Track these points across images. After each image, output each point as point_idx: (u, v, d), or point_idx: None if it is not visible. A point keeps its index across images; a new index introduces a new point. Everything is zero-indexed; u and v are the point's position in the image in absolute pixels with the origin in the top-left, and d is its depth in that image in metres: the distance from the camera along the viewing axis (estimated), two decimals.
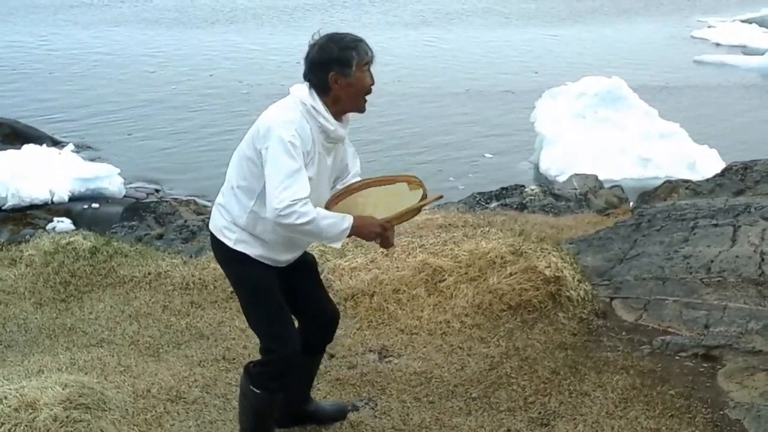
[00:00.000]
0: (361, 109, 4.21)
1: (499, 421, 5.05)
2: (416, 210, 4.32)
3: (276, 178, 3.96)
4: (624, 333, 6.11)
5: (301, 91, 4.13)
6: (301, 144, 4.01)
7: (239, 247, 4.24)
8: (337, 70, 4.08)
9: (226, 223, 4.26)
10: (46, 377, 5.25)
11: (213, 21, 41.09)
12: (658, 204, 9.74)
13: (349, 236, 4.14)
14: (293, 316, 4.49)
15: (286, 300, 4.39)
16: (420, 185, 4.30)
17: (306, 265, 4.58)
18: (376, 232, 4.20)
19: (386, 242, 4.28)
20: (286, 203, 3.93)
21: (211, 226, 4.39)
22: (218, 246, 4.34)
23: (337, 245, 4.22)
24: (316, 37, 4.16)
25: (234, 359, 5.88)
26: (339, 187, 4.42)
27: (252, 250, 4.23)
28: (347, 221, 4.09)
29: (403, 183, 4.34)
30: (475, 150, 21.85)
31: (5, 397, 4.91)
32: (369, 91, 4.18)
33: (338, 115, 4.17)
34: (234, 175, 4.23)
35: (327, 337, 4.75)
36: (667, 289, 6.63)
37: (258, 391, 4.36)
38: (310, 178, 4.04)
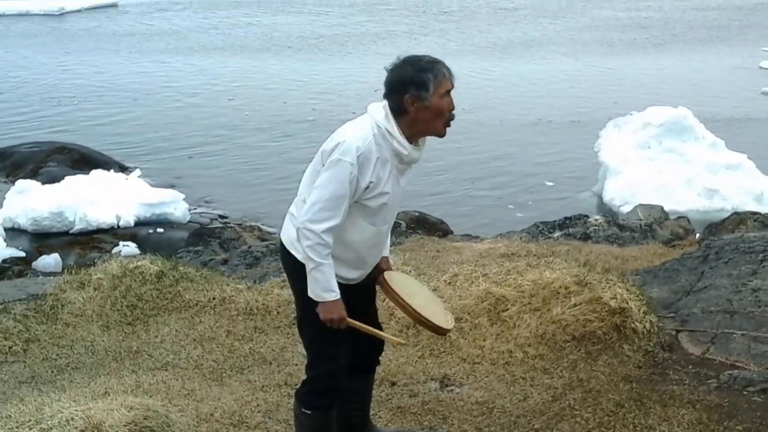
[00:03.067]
0: (440, 133, 4.20)
1: None
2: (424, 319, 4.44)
3: (322, 195, 4.03)
4: (690, 366, 6.01)
5: (378, 113, 4.13)
6: (359, 170, 4.04)
7: None
8: (413, 93, 4.07)
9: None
10: (112, 399, 5.33)
11: (298, 48, 41.54)
12: (726, 236, 9.56)
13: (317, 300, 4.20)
14: None
15: None
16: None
17: (366, 285, 4.57)
18: (335, 317, 4.21)
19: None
20: (319, 228, 4.03)
21: (282, 236, 4.41)
22: (288, 257, 4.36)
23: (311, 294, 4.20)
24: (395, 61, 4.18)
25: (296, 385, 5.85)
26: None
27: None
28: (331, 296, 4.16)
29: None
30: (537, 179, 21.74)
31: (72, 419, 4.98)
32: (448, 116, 4.15)
33: (414, 137, 4.17)
34: (306, 190, 4.24)
35: (373, 357, 4.78)
36: (735, 323, 6.51)
37: (309, 412, 4.39)
38: (384, 204, 4.14)
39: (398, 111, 4.11)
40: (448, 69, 4.15)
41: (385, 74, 4.20)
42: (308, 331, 4.43)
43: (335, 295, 4.15)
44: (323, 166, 4.10)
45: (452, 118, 4.18)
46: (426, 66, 4.11)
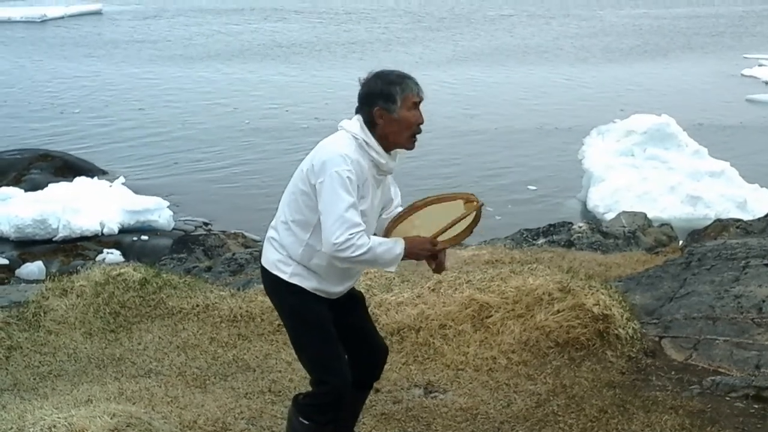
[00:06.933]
0: (407, 146, 4.25)
1: None
2: (465, 228, 4.28)
3: (332, 213, 4.02)
4: (673, 372, 6.03)
5: (354, 126, 4.19)
6: (356, 179, 4.07)
7: (294, 280, 4.26)
8: (381, 105, 4.15)
9: (281, 257, 4.28)
10: (95, 406, 5.29)
11: (306, 55, 41.61)
12: (709, 243, 9.62)
13: (403, 259, 4.18)
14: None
15: (337, 334, 4.39)
16: (474, 201, 4.30)
17: (354, 300, 4.59)
18: (427, 249, 4.22)
19: (439, 265, 4.31)
20: (344, 237, 4.00)
21: (263, 261, 4.40)
22: (272, 280, 4.34)
23: (392, 269, 4.25)
24: (367, 75, 4.25)
25: (280, 392, 5.89)
26: (384, 216, 4.44)
27: (307, 282, 4.26)
28: (400, 245, 4.15)
29: (461, 200, 4.36)
30: (520, 185, 21.80)
31: (54, 426, 4.95)
32: (415, 129, 4.21)
33: (387, 148, 4.22)
34: (287, 209, 4.27)
35: (375, 372, 4.73)
36: (717, 329, 6.54)
37: (307, 423, 4.35)
38: (363, 211, 4.10)
39: (369, 123, 4.18)
40: (416, 83, 4.22)
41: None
42: (306, 351, 4.40)
43: (401, 243, 4.16)
44: (312, 186, 4.12)
45: (419, 131, 4.24)
46: (394, 80, 4.19)
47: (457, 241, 4.38)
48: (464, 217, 4.28)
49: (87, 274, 7.95)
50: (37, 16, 54.13)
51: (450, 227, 4.26)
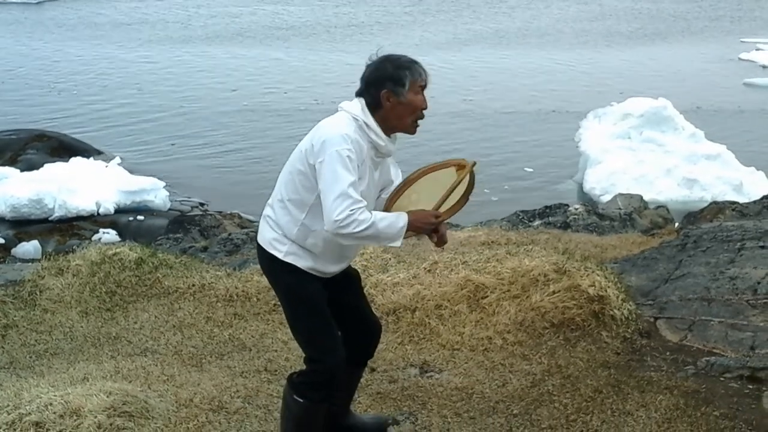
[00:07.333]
0: (409, 130, 4.27)
1: None
2: (463, 194, 4.26)
3: (333, 191, 4.01)
4: (668, 353, 6.05)
5: (354, 107, 4.20)
6: (356, 158, 4.07)
7: (289, 259, 4.27)
8: (390, 88, 4.16)
9: (277, 236, 4.29)
10: (91, 385, 5.31)
11: (305, 36, 41.51)
12: (704, 225, 9.63)
13: (407, 233, 4.17)
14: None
15: (331, 312, 4.40)
16: (465, 165, 4.30)
17: (350, 278, 4.62)
18: (431, 223, 4.19)
19: (441, 238, 4.27)
20: (345, 214, 3.98)
21: (259, 239, 4.41)
22: (267, 258, 4.36)
23: (397, 244, 4.21)
24: (374, 57, 4.27)
25: (276, 371, 5.91)
26: (383, 195, 4.44)
27: (302, 262, 4.27)
28: (403, 219, 4.13)
29: (453, 167, 4.35)
30: (517, 167, 21.80)
31: (50, 404, 4.97)
32: (419, 114, 4.24)
33: (387, 132, 4.23)
34: (284, 188, 4.27)
35: (369, 350, 4.75)
36: (712, 310, 6.55)
37: (301, 401, 4.37)
38: (360, 192, 4.08)
39: (374, 105, 4.19)
40: (424, 69, 4.25)
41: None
42: (301, 329, 4.42)
43: (404, 217, 4.14)
44: (310, 166, 4.13)
45: (422, 116, 4.27)
46: (404, 64, 4.22)
47: (457, 209, 4.32)
48: (460, 183, 4.28)
49: (83, 254, 7.97)
50: None
51: (448, 196, 4.26)
